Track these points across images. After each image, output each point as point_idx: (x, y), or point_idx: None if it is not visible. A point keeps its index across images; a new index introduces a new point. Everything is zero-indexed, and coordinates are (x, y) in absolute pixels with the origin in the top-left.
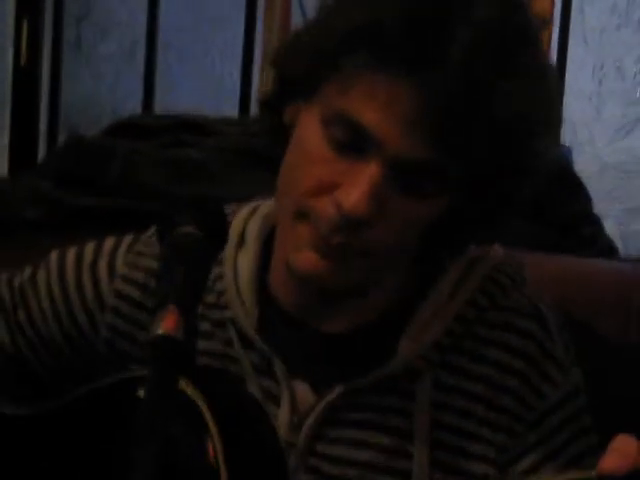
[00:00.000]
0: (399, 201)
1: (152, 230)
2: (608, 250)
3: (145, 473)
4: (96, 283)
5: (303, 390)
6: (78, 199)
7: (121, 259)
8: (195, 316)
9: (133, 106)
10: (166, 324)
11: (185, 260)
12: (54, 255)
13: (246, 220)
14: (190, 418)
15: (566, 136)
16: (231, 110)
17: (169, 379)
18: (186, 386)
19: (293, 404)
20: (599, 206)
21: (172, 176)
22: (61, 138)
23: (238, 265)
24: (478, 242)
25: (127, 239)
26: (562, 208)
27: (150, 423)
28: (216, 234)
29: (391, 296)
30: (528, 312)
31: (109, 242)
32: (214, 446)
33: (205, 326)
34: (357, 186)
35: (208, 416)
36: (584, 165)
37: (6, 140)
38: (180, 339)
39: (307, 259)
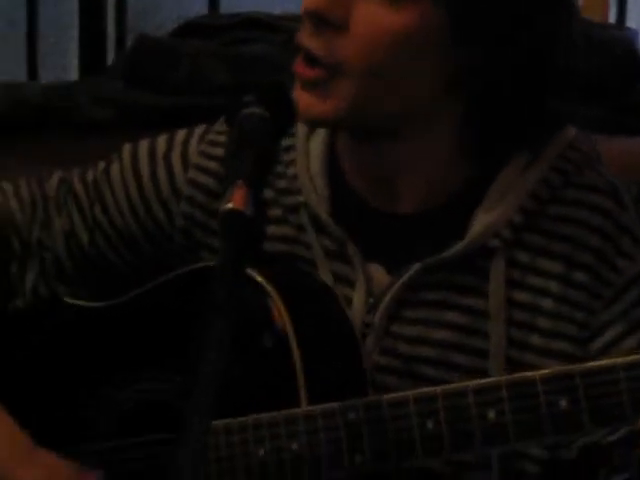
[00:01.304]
0: (366, 7)
1: (222, 119)
2: None
3: (216, 351)
4: (170, 173)
5: (378, 272)
6: (147, 99)
7: (194, 149)
8: (263, 191)
9: (199, 9)
10: (235, 199)
11: (252, 138)
12: (127, 148)
13: None
14: (259, 306)
15: (632, 20)
16: (294, 8)
17: (239, 253)
18: (256, 273)
19: (369, 286)
20: None
21: (239, 71)
22: (128, 42)
23: (310, 149)
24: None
25: (199, 129)
26: (626, 90)
27: (222, 299)
28: (282, 113)
29: (455, 178)
30: (603, 188)
31: (181, 133)
32: (285, 330)
33: (277, 212)
34: None
35: (279, 302)
36: None
37: (75, 45)
38: (249, 214)
39: (297, 97)
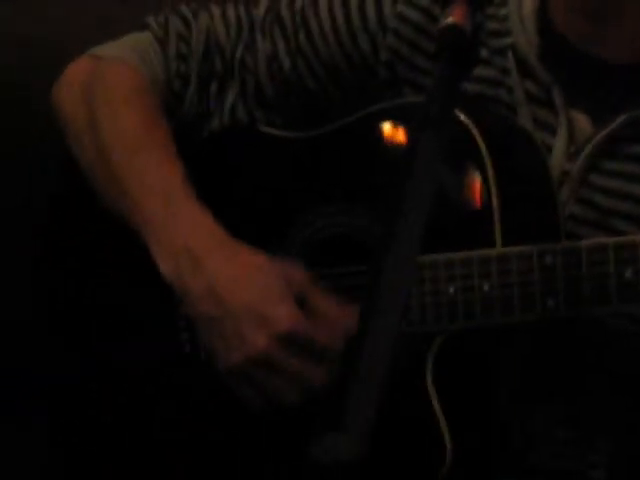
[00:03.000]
0: None
1: None
2: None
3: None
4: (379, 5)
5: (582, 120)
6: None
7: None
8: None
9: None
10: (455, 14)
11: None
12: None
13: None
14: (461, 145)
15: None
16: None
17: (454, 72)
18: (458, 111)
19: (571, 134)
20: None
21: None
22: None
23: None
24: None
25: None
26: None
27: (435, 114)
28: None
29: None
30: None
31: None
32: (485, 170)
33: (483, 53)
34: None
35: (480, 140)
36: None
37: None
38: (467, 30)
39: None
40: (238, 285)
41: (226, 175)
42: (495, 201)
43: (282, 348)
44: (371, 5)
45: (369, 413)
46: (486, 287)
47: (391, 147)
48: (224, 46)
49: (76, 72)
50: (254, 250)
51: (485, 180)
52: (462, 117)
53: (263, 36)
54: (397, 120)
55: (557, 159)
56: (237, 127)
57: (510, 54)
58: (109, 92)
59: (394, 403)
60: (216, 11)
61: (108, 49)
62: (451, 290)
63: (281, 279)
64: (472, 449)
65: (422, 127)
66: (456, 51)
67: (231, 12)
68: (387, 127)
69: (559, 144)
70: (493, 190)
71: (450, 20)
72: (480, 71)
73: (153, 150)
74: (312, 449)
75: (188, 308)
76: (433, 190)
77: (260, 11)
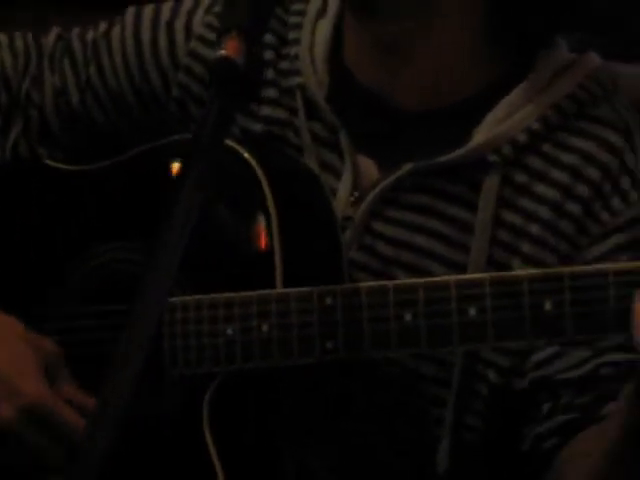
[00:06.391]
0: None
1: None
2: None
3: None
4: (171, 42)
5: (368, 165)
6: None
7: (199, 19)
8: (260, 46)
9: None
10: (228, 47)
11: None
12: (130, 11)
13: None
14: (244, 184)
15: None
16: None
17: (227, 105)
18: (242, 149)
19: (355, 179)
20: None
21: None
22: None
23: (316, 31)
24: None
25: (208, 0)
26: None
27: (205, 143)
28: None
29: (467, 81)
30: (616, 125)
31: (188, 2)
32: (267, 211)
33: (273, 93)
34: None
35: (264, 181)
36: None
37: None
38: (241, 64)
39: None
40: None
41: (8, 209)
42: (277, 243)
43: (26, 422)
44: (164, 41)
45: None
46: (265, 328)
47: (170, 182)
48: (11, 78)
49: None
50: (10, 319)
51: (268, 221)
52: (247, 156)
53: (52, 69)
54: (177, 155)
55: (341, 203)
56: (21, 161)
57: (299, 94)
58: None
59: (170, 448)
60: (3, 39)
61: None
62: (229, 331)
63: (34, 352)
64: None
65: (191, 157)
66: (228, 83)
67: (19, 41)
68: (168, 162)
69: (343, 188)
70: (276, 232)
71: (222, 52)
72: (269, 111)
73: None
74: None
75: None
76: (195, 217)
77: (50, 40)
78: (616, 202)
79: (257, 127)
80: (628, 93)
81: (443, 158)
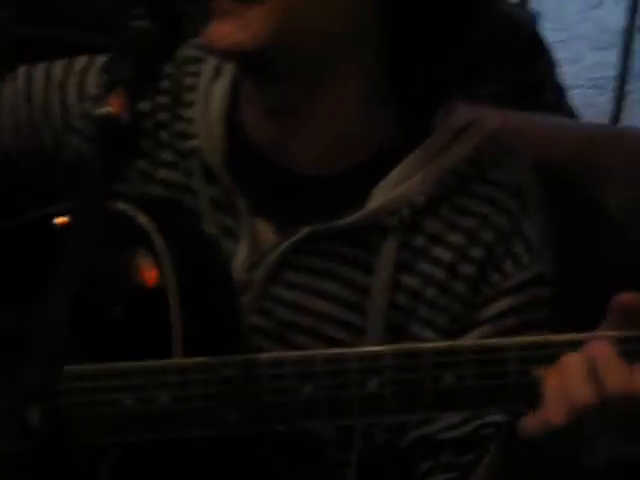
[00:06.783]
0: None
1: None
2: (570, 117)
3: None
4: (64, 103)
5: (265, 229)
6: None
7: (92, 79)
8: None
9: None
10: (111, 104)
11: (135, 48)
12: (22, 70)
13: None
14: (140, 249)
15: (535, 3)
16: None
17: (109, 159)
18: (138, 214)
19: (253, 243)
20: (565, 75)
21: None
22: None
23: (212, 93)
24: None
25: (100, 59)
26: (523, 68)
27: (86, 202)
28: (170, 27)
29: (364, 144)
30: (512, 189)
31: (81, 61)
32: (165, 278)
33: (169, 155)
34: None
35: (160, 245)
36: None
37: None
38: (124, 121)
39: (214, 29)
40: None
41: None
42: (175, 309)
43: None
44: (56, 102)
45: None
46: (164, 399)
47: (57, 245)
48: None
49: None
50: None
51: (165, 288)
52: (141, 219)
53: None
54: (64, 217)
55: (239, 268)
56: None
57: (195, 158)
58: None
59: None
60: None
61: None
62: (127, 401)
63: None
64: None
65: (74, 219)
66: (111, 140)
67: None
68: (55, 225)
69: (241, 252)
70: (173, 298)
71: (105, 109)
72: (166, 175)
73: None
74: None
75: None
76: (78, 278)
77: None
78: (508, 265)
79: (155, 191)
80: (518, 139)
81: (340, 222)
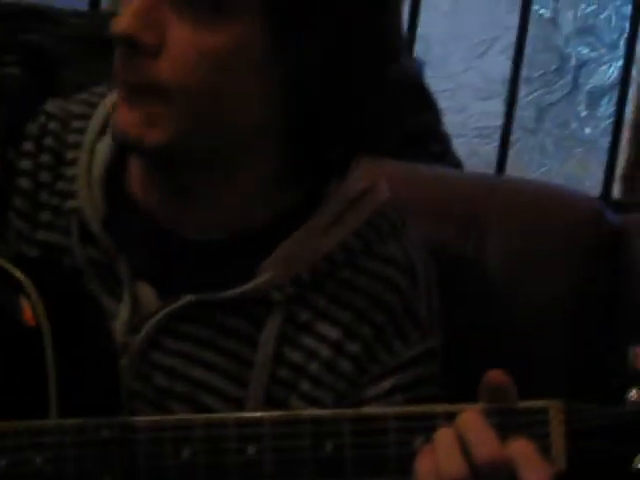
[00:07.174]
0: (181, 29)
1: None
2: (455, 167)
3: None
4: None
5: (147, 293)
6: None
7: None
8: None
9: None
10: None
11: (5, 96)
12: None
13: (113, 107)
14: (14, 304)
15: (420, 52)
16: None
17: None
18: (15, 271)
19: (134, 306)
20: (450, 125)
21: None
22: None
23: (97, 151)
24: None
25: None
26: (408, 118)
27: None
28: (42, 78)
29: (254, 217)
30: (401, 265)
31: None
32: (41, 337)
33: (48, 216)
34: (129, 8)
35: (38, 304)
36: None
37: None
38: None
39: (120, 114)
40: None
41: None
42: (52, 370)
43: None
44: None
45: None
46: (38, 461)
47: None
48: None
49: None
50: None
51: (42, 348)
52: (19, 275)
53: None
54: None
55: (119, 331)
56: None
57: (73, 218)
58: None
59: None
60: None
61: None
62: (2, 463)
63: None
64: None
65: None
66: None
67: None
68: None
69: (122, 314)
70: (50, 359)
71: None
72: (44, 235)
73: None
74: None
75: None
76: None
77: None
78: (397, 344)
79: (33, 252)
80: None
81: (224, 294)
